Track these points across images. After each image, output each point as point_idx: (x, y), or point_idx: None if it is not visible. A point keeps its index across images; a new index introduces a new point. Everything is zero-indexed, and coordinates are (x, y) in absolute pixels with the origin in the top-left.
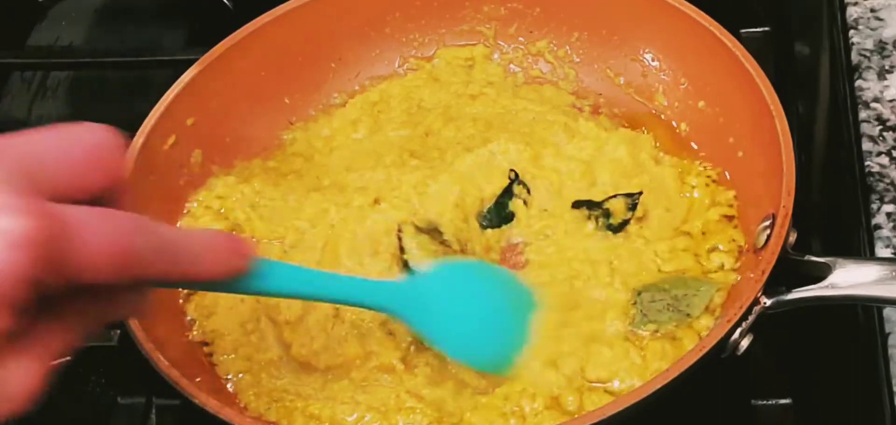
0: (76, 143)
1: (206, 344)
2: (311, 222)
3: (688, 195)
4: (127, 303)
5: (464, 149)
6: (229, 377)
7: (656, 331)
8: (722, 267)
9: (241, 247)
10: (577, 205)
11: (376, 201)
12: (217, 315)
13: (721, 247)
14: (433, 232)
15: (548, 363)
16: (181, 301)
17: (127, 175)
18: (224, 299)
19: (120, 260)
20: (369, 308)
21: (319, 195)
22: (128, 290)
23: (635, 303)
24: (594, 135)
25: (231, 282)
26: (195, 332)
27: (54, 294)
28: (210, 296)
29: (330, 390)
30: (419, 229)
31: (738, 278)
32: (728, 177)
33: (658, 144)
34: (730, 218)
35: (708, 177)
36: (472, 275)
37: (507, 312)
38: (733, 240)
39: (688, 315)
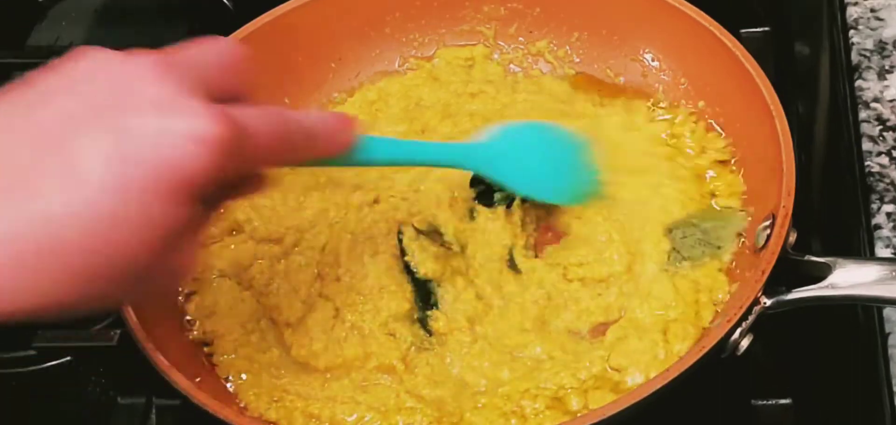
0: (223, 53)
1: (207, 344)
2: (311, 222)
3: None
4: (253, 184)
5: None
6: (229, 377)
7: (692, 267)
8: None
9: (349, 124)
10: None
11: (376, 201)
12: (217, 315)
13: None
14: (433, 233)
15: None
16: (181, 299)
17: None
18: (224, 299)
19: (280, 148)
20: (454, 167)
21: (319, 193)
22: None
23: (669, 240)
24: (591, 112)
25: (342, 156)
26: (195, 332)
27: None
28: (210, 297)
29: (330, 390)
30: (419, 231)
31: (749, 218)
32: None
33: (652, 104)
34: (725, 163)
35: (695, 124)
36: (534, 130)
37: (569, 154)
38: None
39: (719, 248)
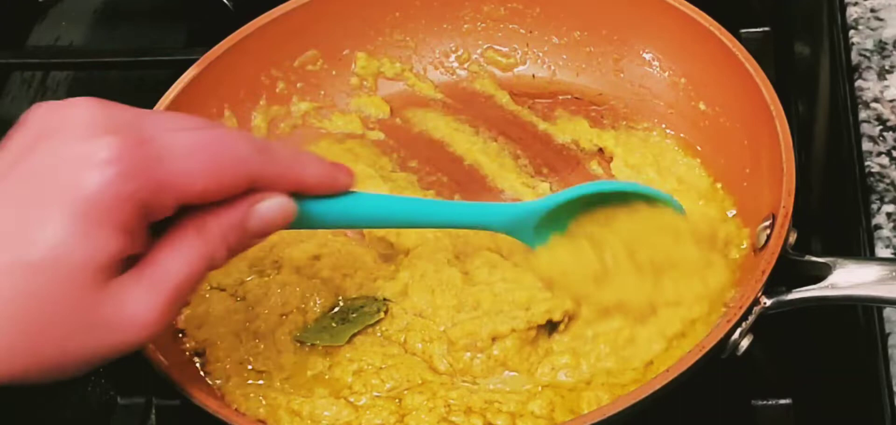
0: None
1: (199, 354)
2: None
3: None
4: (253, 212)
5: None
6: (219, 382)
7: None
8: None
9: (343, 165)
10: None
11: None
12: (209, 325)
13: None
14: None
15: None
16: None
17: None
18: (214, 309)
19: (212, 162)
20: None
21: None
22: (252, 203)
23: None
24: None
25: (334, 205)
26: (189, 343)
27: (162, 214)
28: (202, 307)
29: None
30: None
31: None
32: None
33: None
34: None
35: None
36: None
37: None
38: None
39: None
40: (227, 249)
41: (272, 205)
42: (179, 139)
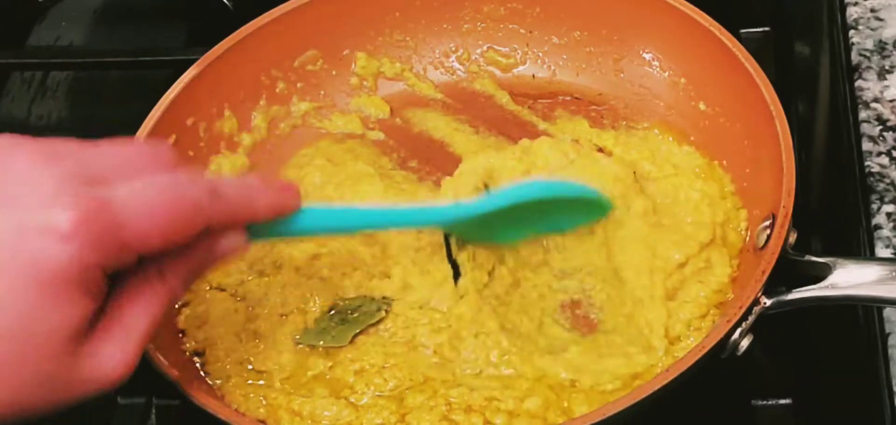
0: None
1: (199, 354)
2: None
3: None
4: (212, 254)
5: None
6: (219, 382)
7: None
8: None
9: (290, 186)
10: None
11: None
12: (209, 325)
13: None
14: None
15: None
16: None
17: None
18: (214, 309)
19: (170, 217)
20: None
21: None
22: (205, 245)
23: None
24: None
25: (285, 223)
26: (189, 343)
27: (122, 268)
28: (202, 307)
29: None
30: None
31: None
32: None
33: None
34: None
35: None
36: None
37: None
38: None
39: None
40: (185, 289)
41: (228, 243)
42: (137, 196)
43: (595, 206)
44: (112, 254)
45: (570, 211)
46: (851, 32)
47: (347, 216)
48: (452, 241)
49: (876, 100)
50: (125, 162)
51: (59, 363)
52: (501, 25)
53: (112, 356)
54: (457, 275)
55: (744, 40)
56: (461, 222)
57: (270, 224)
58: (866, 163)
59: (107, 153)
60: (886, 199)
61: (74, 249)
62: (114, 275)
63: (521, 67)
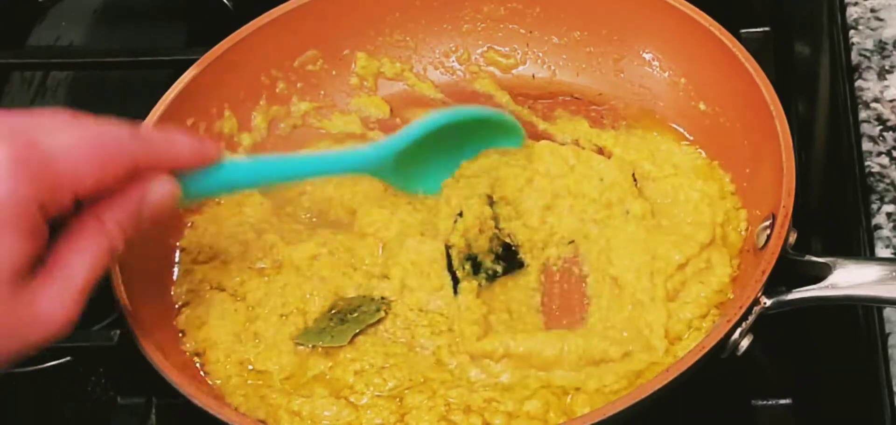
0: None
1: (199, 354)
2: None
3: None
4: (144, 200)
5: None
6: (219, 382)
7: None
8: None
9: (209, 140)
10: None
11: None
12: (209, 325)
13: None
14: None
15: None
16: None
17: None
18: (214, 309)
19: (96, 151)
20: (341, 174)
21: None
22: (136, 190)
23: None
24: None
25: (210, 175)
26: (189, 343)
27: (59, 211)
28: (202, 307)
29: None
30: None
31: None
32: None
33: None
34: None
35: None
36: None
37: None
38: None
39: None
40: (124, 237)
41: (159, 189)
42: (64, 134)
43: (505, 128)
44: (45, 188)
45: (483, 136)
46: (851, 32)
47: (270, 167)
48: (453, 253)
49: (876, 100)
50: (52, 117)
51: (2, 303)
52: (501, 25)
53: (53, 300)
54: (456, 285)
55: (744, 40)
56: (385, 166)
57: (198, 177)
58: (866, 163)
59: (36, 113)
60: (886, 199)
61: (9, 185)
62: (54, 225)
63: (521, 67)
